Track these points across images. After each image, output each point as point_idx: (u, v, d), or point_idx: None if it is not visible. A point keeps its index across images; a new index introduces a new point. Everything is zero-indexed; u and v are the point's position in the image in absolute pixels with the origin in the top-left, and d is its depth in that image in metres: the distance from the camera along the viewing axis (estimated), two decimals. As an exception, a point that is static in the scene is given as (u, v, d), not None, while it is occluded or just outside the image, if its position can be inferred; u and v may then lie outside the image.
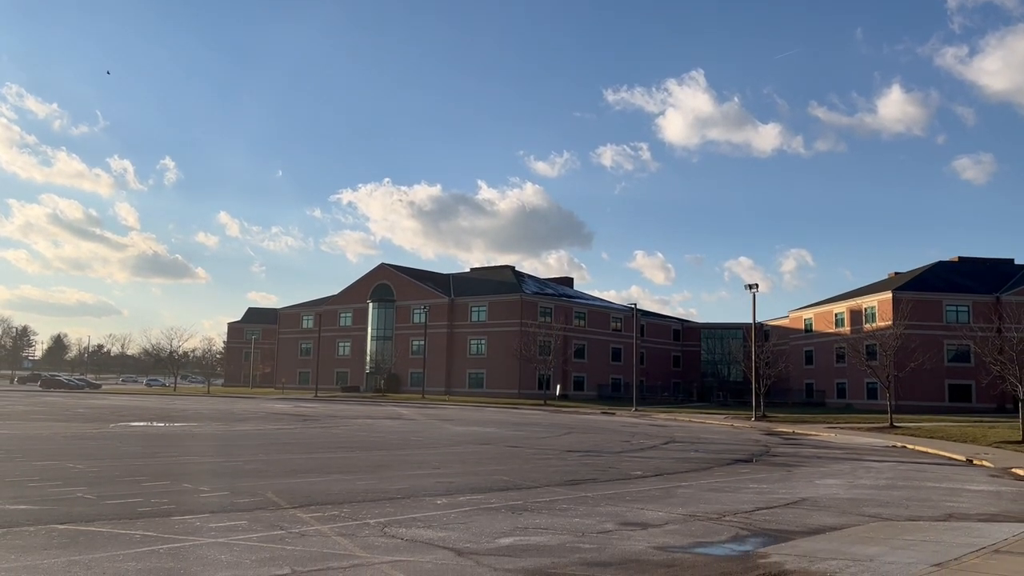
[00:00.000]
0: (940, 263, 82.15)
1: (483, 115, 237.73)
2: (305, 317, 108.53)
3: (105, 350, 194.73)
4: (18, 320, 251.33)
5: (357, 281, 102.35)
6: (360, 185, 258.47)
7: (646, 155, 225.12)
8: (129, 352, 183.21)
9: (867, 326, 71.79)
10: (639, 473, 20.19)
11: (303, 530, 11.11)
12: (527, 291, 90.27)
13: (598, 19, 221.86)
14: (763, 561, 9.88)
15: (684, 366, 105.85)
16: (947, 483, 19.60)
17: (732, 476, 20.24)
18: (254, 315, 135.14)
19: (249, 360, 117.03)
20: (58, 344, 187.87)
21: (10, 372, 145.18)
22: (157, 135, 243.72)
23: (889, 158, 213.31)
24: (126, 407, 51.76)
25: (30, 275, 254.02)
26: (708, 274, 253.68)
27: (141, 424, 34.95)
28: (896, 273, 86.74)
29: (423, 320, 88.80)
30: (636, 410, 62.88)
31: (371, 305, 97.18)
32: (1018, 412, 33.93)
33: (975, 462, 25.31)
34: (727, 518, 13.21)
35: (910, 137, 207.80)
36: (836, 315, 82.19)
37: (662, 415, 57.63)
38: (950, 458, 27.00)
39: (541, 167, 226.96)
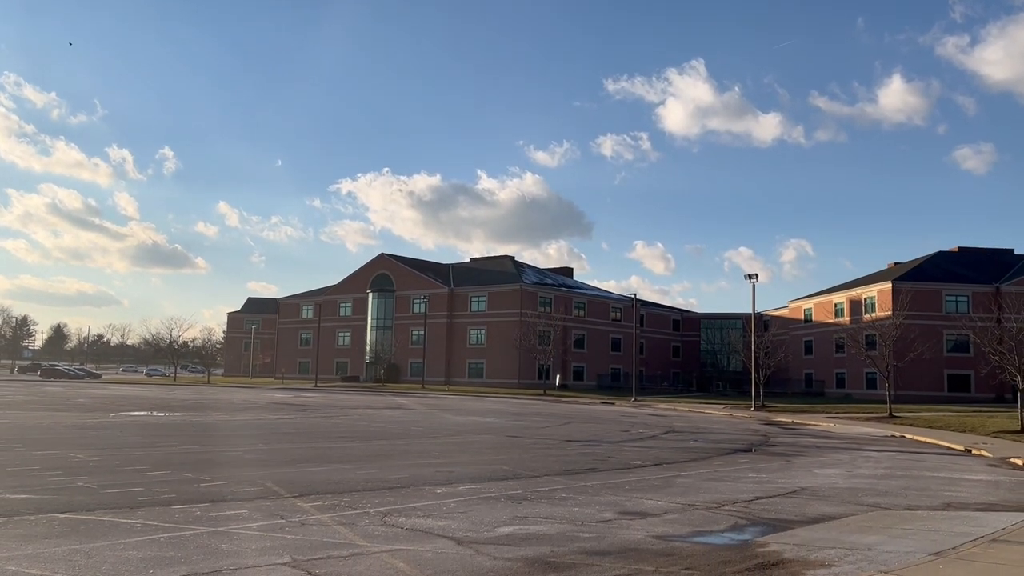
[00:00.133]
0: (940, 253, 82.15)
1: (483, 105, 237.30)
2: (305, 307, 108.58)
3: (105, 340, 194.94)
4: (18, 310, 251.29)
5: (357, 271, 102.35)
6: (359, 175, 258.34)
7: (646, 145, 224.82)
8: (129, 342, 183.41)
9: (866, 316, 71.83)
10: (638, 463, 20.25)
11: (303, 519, 11.14)
12: (527, 281, 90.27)
13: (598, 8, 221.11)
14: (762, 550, 9.92)
15: (684, 356, 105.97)
16: (946, 472, 19.66)
17: (731, 466, 20.30)
18: (254, 305, 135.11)
19: (249, 350, 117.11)
20: (58, 334, 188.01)
21: (10, 362, 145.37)
22: (156, 125, 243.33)
23: (890, 148, 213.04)
24: (126, 397, 51.85)
25: (30, 265, 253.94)
26: (708, 264, 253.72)
27: (141, 414, 35.01)
28: (896, 263, 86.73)
29: (423, 310, 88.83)
30: (636, 400, 63.00)
31: (371, 295, 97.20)
32: (1017, 402, 33.99)
33: (974, 452, 25.38)
34: (726, 507, 13.25)
35: (911, 127, 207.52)
36: (836, 305, 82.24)
37: (661, 405, 57.74)
38: (949, 448, 27.07)
39: (541, 157, 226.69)
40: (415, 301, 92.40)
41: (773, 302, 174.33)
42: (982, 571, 8.57)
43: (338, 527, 10.65)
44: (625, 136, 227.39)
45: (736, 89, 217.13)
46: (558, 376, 77.41)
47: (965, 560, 9.13)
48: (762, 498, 14.43)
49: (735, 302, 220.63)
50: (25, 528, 9.98)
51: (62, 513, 10.98)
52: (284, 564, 8.53)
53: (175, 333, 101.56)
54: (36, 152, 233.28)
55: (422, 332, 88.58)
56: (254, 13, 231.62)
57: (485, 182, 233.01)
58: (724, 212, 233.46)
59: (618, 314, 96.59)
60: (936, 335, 67.57)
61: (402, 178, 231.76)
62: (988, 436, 30.22)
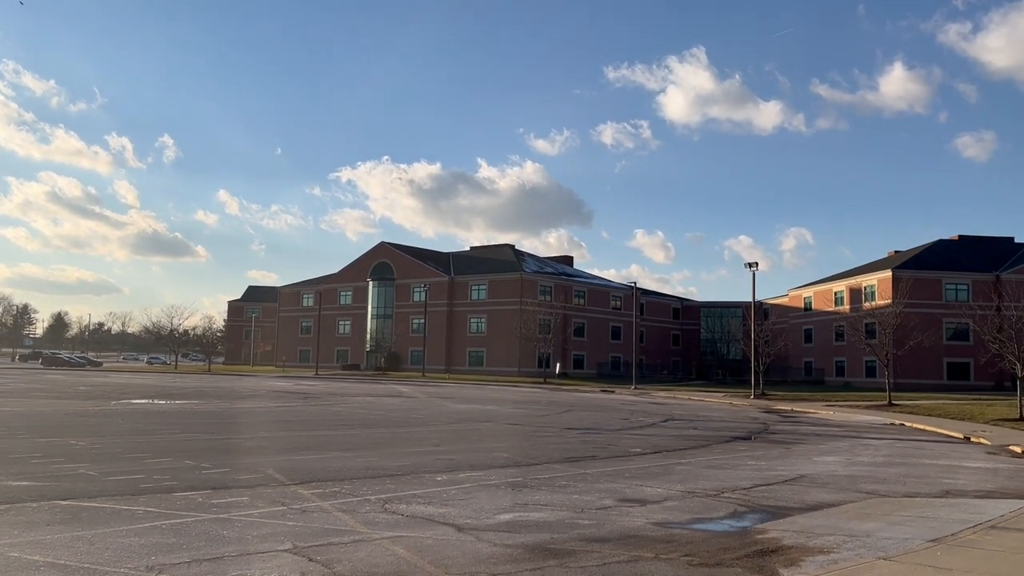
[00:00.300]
0: (940, 241, 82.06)
1: (483, 93, 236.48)
2: (305, 295, 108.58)
3: (106, 328, 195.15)
4: (18, 298, 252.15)
5: (357, 259, 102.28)
6: (359, 163, 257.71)
7: (647, 133, 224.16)
8: (130, 330, 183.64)
9: (866, 304, 71.81)
10: (638, 450, 20.31)
11: (304, 506, 11.19)
12: (527, 270, 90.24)
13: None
14: (761, 537, 9.96)
15: (683, 344, 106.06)
16: (944, 460, 19.72)
17: (730, 453, 20.36)
18: (254, 293, 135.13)
19: (249, 338, 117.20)
20: (59, 322, 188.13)
21: (11, 350, 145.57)
22: (155, 113, 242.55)
23: (890, 136, 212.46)
24: (127, 385, 51.95)
25: (30, 253, 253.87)
26: (708, 253, 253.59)
27: (142, 402, 35.10)
28: (896, 252, 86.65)
29: (423, 299, 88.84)
30: (635, 388, 63.11)
31: (371, 283, 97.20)
32: (1016, 390, 34.05)
33: (973, 439, 25.44)
34: (725, 495, 13.30)
35: (912, 115, 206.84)
36: (835, 293, 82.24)
37: (661, 393, 57.85)
38: (948, 436, 27.13)
39: (541, 145, 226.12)
40: (415, 289, 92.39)
41: (773, 290, 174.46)
42: (980, 558, 8.61)
43: (339, 514, 10.70)
44: (625, 124, 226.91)
45: (737, 77, 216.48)
46: (558, 364, 77.50)
47: (963, 547, 9.18)
48: (761, 485, 14.48)
49: (735, 290, 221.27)
50: (27, 515, 10.03)
51: (64, 500, 11.02)
52: (286, 550, 8.57)
53: (176, 321, 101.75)
54: (35, 140, 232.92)
55: (422, 320, 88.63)
56: (254, 2, 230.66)
57: (485, 170, 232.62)
58: (724, 200, 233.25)
59: (618, 302, 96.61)
60: (936, 323, 67.58)
61: (402, 166, 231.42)
62: (987, 424, 30.29)
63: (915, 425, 31.07)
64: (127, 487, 12.27)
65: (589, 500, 12.39)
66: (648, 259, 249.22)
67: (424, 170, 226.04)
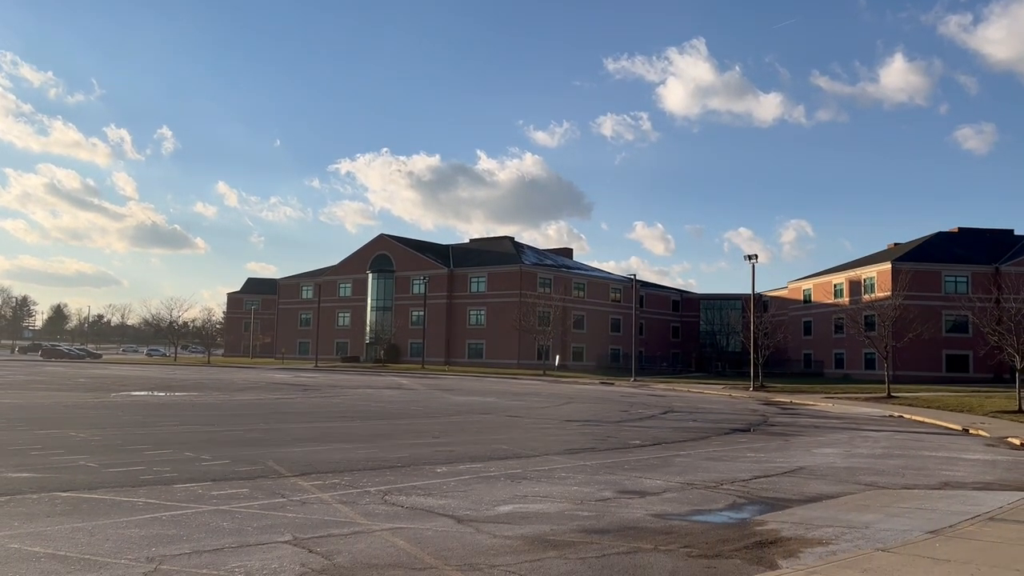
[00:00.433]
0: (940, 234, 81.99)
1: (482, 84, 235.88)
2: (304, 287, 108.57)
3: (105, 320, 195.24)
4: (18, 290, 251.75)
5: (356, 252, 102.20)
6: (359, 155, 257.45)
7: (646, 125, 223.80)
8: (129, 322, 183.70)
9: (866, 297, 71.78)
10: (637, 442, 20.33)
11: (304, 498, 11.20)
12: (526, 262, 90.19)
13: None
14: (760, 528, 9.98)
15: (683, 336, 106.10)
16: (943, 452, 19.74)
17: (730, 445, 20.38)
18: (253, 285, 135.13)
19: (249, 330, 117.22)
20: (58, 314, 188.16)
21: (10, 342, 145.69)
22: (154, 104, 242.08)
23: (891, 128, 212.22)
24: (127, 377, 51.98)
25: (29, 245, 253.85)
26: (708, 245, 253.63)
27: (142, 393, 35.13)
28: (896, 244, 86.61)
29: (422, 291, 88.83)
30: (635, 380, 63.16)
31: (370, 276, 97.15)
32: (1015, 382, 34.08)
33: (971, 431, 25.47)
34: (724, 486, 13.32)
35: (912, 107, 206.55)
36: (835, 286, 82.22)
37: (661, 385, 57.90)
38: (947, 427, 27.17)
39: (541, 137, 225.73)
40: (415, 282, 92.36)
41: (773, 283, 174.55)
42: (979, 549, 8.62)
43: (339, 506, 10.72)
44: (625, 116, 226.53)
45: (737, 68, 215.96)
46: (558, 356, 77.55)
47: (962, 538, 9.19)
48: (760, 477, 14.51)
49: (735, 283, 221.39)
50: (28, 507, 10.04)
51: (64, 492, 11.03)
52: (286, 542, 8.58)
53: (175, 314, 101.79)
54: (34, 132, 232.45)
55: (422, 313, 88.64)
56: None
57: (485, 162, 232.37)
58: (724, 193, 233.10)
59: (618, 295, 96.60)
60: (935, 315, 67.60)
61: (401, 158, 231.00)
62: (986, 416, 30.33)
63: (914, 417, 31.12)
64: (127, 479, 12.29)
65: (588, 492, 12.41)
66: (648, 251, 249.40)
67: (423, 162, 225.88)
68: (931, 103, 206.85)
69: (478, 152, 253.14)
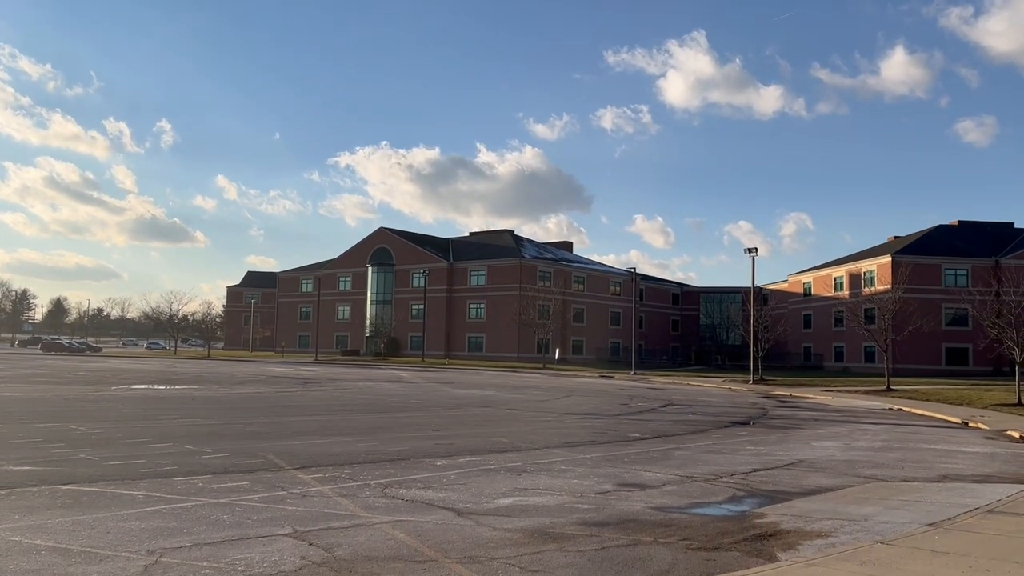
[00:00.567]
0: (940, 227, 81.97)
1: (482, 77, 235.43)
2: (304, 281, 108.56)
3: (105, 314, 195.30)
4: (17, 283, 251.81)
5: (356, 245, 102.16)
6: (358, 148, 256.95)
7: (646, 118, 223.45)
8: (129, 316, 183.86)
9: (866, 290, 71.87)
10: (637, 435, 20.36)
11: (304, 491, 11.22)
12: (526, 255, 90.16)
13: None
14: (759, 521, 10.00)
15: (683, 330, 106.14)
16: (942, 445, 19.77)
17: (729, 438, 20.41)
18: (253, 279, 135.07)
19: (249, 324, 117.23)
20: (58, 307, 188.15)
21: (10, 335, 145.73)
22: (153, 97, 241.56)
23: (891, 121, 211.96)
24: (127, 370, 52.01)
25: (28, 238, 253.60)
26: (708, 238, 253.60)
27: (142, 387, 35.15)
28: (896, 237, 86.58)
29: (422, 284, 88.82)
30: (635, 374, 63.22)
31: (370, 269, 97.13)
32: (1014, 375, 34.11)
33: (971, 424, 25.51)
34: (724, 479, 13.34)
35: (913, 99, 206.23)
36: (835, 279, 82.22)
37: (660, 379, 57.95)
38: (946, 420, 27.21)
39: (540, 130, 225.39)
40: (415, 275, 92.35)
41: (773, 276, 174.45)
42: (978, 542, 8.64)
43: (339, 499, 10.73)
44: (625, 109, 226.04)
45: (737, 61, 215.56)
46: (557, 350, 77.59)
47: (961, 531, 9.21)
48: (760, 470, 14.53)
49: (735, 276, 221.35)
50: (28, 500, 10.06)
51: (65, 485, 11.05)
52: (286, 535, 8.60)
53: (175, 307, 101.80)
54: (33, 125, 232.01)
55: (422, 306, 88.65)
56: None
57: (484, 155, 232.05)
58: (724, 186, 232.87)
59: (617, 288, 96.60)
60: (935, 309, 67.61)
61: (401, 151, 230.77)
62: (985, 409, 30.37)
63: (913, 410, 31.15)
64: (127, 472, 12.30)
65: (588, 485, 12.43)
66: (648, 244, 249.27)
67: (423, 155, 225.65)
68: (932, 96, 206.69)
69: (478, 145, 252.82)
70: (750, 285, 58.49)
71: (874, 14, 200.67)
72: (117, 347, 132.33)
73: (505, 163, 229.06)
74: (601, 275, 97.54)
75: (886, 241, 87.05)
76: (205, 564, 7.42)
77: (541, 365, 72.96)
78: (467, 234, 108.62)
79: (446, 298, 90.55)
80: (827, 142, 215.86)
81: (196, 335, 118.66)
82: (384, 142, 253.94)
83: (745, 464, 15.25)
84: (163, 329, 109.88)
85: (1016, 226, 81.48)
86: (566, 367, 73.49)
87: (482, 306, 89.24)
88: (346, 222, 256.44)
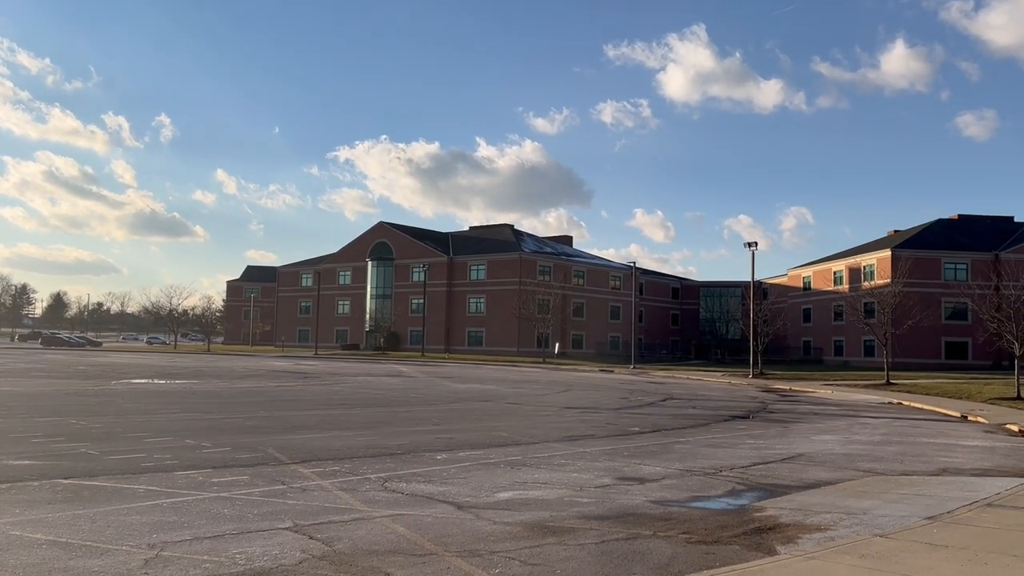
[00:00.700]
0: (939, 221, 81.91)
1: (481, 71, 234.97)
2: (304, 275, 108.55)
3: (105, 308, 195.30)
4: (17, 278, 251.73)
5: (356, 239, 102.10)
6: (357, 142, 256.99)
7: (647, 112, 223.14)
8: (129, 310, 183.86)
9: (865, 284, 71.83)
10: (636, 429, 20.38)
11: (304, 485, 11.23)
12: (526, 250, 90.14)
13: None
14: (759, 515, 10.01)
15: (683, 324, 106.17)
16: (942, 439, 19.80)
17: (729, 432, 20.43)
18: (253, 273, 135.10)
19: (249, 318, 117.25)
20: (58, 302, 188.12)
21: (10, 330, 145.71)
22: (152, 91, 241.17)
23: (891, 115, 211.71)
24: (127, 364, 52.03)
25: (28, 233, 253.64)
26: (708, 232, 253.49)
27: (142, 381, 35.16)
28: (896, 231, 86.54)
29: (422, 279, 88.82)
30: (634, 368, 63.26)
31: (370, 263, 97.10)
32: (1013, 369, 34.14)
33: (970, 418, 25.53)
34: (723, 473, 13.36)
35: (913, 93, 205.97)
36: (835, 273, 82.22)
37: (660, 373, 57.98)
38: (945, 414, 27.24)
39: (540, 124, 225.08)
40: (414, 269, 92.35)
41: (772, 270, 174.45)
42: (977, 535, 8.66)
43: (339, 492, 10.75)
44: (625, 103, 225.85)
45: (737, 55, 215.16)
46: (557, 344, 77.64)
47: (960, 524, 9.23)
48: (759, 464, 14.55)
49: (734, 270, 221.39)
50: (29, 494, 10.07)
51: (65, 479, 11.07)
52: (286, 529, 8.61)
53: (175, 301, 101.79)
54: (32, 119, 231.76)
55: (422, 300, 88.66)
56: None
57: (484, 149, 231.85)
58: (724, 180, 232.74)
59: (617, 282, 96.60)
60: (934, 303, 67.63)
61: (400, 145, 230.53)
62: (984, 403, 30.40)
63: (913, 404, 31.18)
64: (128, 466, 12.32)
65: (588, 478, 12.45)
66: (648, 239, 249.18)
67: (422, 149, 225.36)
68: (932, 89, 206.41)
69: (477, 139, 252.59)
70: (750, 279, 58.48)
71: (874, 8, 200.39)
72: (117, 342, 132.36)
73: (505, 157, 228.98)
74: (601, 269, 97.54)
75: (886, 235, 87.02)
76: (206, 558, 7.43)
77: (541, 359, 73.00)
78: (467, 228, 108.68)
79: (446, 292, 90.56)
80: (827, 136, 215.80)
81: (196, 330, 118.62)
82: (384, 136, 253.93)
83: (744, 458, 15.27)
84: (163, 324, 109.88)
85: (1016, 220, 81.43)
86: (566, 361, 73.53)
87: (482, 300, 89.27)
88: (346, 216, 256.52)
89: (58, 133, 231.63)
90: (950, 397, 33.26)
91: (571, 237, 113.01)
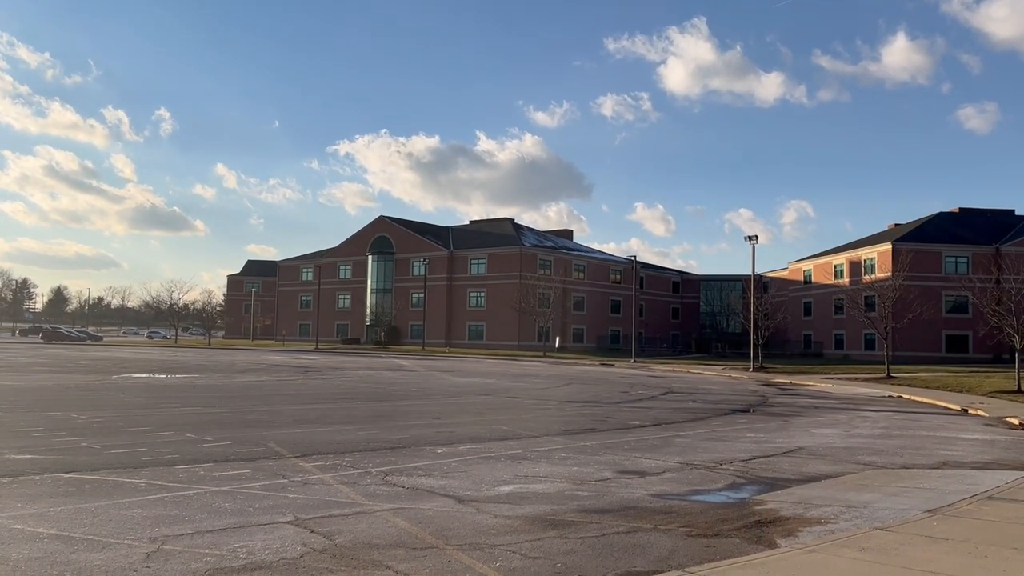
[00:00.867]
0: (940, 214, 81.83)
1: (482, 65, 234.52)
2: (304, 269, 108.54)
3: (105, 303, 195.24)
4: (18, 273, 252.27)
5: (356, 233, 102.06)
6: (357, 136, 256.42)
7: (647, 105, 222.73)
8: (129, 305, 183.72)
9: (866, 277, 71.79)
10: (637, 423, 20.40)
11: (305, 479, 11.25)
12: (526, 244, 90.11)
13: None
14: (759, 508, 10.03)
15: (683, 318, 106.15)
16: (942, 432, 19.82)
17: (729, 426, 20.45)
18: (253, 267, 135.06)
19: (249, 312, 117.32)
20: (58, 296, 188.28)
21: (11, 324, 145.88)
22: (151, 85, 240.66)
23: (892, 108, 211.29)
24: (128, 359, 52.09)
25: (28, 227, 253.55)
26: (708, 226, 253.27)
27: (143, 376, 35.21)
28: (896, 224, 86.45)
29: (423, 273, 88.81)
30: (635, 361, 63.29)
31: (370, 258, 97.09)
32: (1014, 362, 34.14)
33: (970, 411, 25.56)
34: (724, 466, 13.38)
35: (914, 86, 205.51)
36: (835, 266, 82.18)
37: (661, 366, 58.02)
38: (946, 408, 27.25)
39: (541, 117, 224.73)
40: (415, 264, 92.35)
41: (773, 264, 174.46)
42: (977, 528, 8.67)
43: (340, 486, 10.77)
44: (626, 96, 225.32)
45: (738, 48, 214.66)
46: (558, 338, 77.67)
47: (960, 517, 9.24)
48: (760, 457, 14.57)
49: (735, 264, 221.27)
50: (31, 488, 10.09)
51: (67, 473, 11.08)
52: (287, 522, 8.63)
53: (175, 296, 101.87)
54: (31, 113, 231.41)
55: (422, 295, 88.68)
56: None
57: (484, 143, 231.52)
58: (725, 173, 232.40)
59: (618, 276, 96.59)
60: (935, 296, 67.62)
61: (400, 139, 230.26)
62: (985, 396, 30.42)
63: (913, 397, 31.21)
64: (129, 460, 12.34)
65: (588, 472, 12.46)
66: (648, 232, 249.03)
67: (423, 143, 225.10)
68: (933, 82, 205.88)
69: (478, 133, 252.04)
70: (750, 273, 58.47)
71: (875, 0, 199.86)
72: (118, 336, 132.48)
73: (505, 151, 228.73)
74: (601, 263, 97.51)
75: (887, 228, 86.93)
76: (207, 551, 7.45)
77: (541, 353, 73.04)
78: (467, 222, 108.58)
79: (446, 286, 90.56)
80: (828, 129, 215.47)
81: (197, 324, 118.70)
82: (384, 130, 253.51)
83: (745, 451, 15.29)
84: (164, 318, 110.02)
85: (1017, 213, 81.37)
86: (566, 355, 73.57)
87: (482, 294, 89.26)
88: (346, 210, 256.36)
89: (58, 127, 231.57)
90: (950, 390, 33.28)
91: (571, 231, 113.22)
